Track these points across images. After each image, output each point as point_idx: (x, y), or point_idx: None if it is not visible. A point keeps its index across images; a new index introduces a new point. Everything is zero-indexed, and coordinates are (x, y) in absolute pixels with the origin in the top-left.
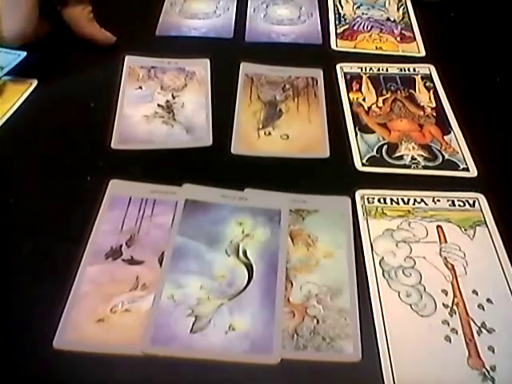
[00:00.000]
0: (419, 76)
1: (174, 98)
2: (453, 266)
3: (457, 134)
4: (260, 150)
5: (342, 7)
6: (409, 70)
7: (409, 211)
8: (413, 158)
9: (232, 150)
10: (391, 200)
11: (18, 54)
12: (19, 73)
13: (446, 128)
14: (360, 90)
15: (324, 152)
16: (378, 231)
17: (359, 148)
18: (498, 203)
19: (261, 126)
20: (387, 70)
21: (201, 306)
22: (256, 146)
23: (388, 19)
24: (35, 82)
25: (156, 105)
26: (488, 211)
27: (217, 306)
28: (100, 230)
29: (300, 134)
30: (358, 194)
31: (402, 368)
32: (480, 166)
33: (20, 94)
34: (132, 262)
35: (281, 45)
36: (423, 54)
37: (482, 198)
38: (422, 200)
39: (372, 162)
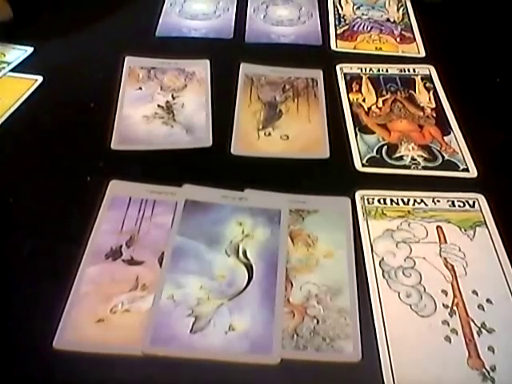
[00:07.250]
0: (419, 77)
1: (173, 98)
2: (453, 266)
3: (456, 134)
4: (260, 151)
5: (341, 8)
6: (409, 70)
7: (409, 212)
8: (413, 159)
9: (232, 151)
10: (391, 200)
11: (24, 50)
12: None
13: (445, 128)
14: (360, 90)
15: (324, 152)
16: (377, 232)
17: (359, 148)
18: (498, 203)
19: (261, 127)
20: (387, 70)
21: (201, 306)
22: (256, 146)
23: (388, 20)
24: (40, 80)
25: (156, 105)
26: (488, 212)
27: (217, 306)
28: (100, 230)
29: (300, 134)
30: (358, 194)
31: (401, 368)
32: (480, 167)
33: (23, 91)
34: (132, 262)
35: (281, 45)
36: (423, 54)
37: (481, 199)
38: (421, 200)
39: (372, 162)
